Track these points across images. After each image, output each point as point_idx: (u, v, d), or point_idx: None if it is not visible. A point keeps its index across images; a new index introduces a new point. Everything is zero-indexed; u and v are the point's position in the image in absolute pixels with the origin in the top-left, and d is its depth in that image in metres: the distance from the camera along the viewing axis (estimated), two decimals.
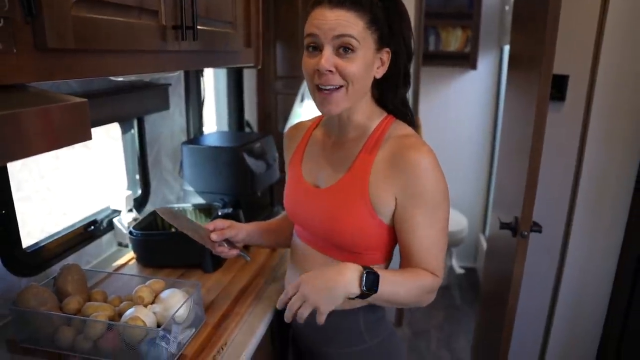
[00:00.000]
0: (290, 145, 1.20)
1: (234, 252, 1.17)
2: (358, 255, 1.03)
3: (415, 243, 0.98)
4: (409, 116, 1.05)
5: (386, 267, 1.08)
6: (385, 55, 0.97)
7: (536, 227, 1.60)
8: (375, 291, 0.89)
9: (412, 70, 1.07)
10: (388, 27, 0.96)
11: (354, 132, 1.04)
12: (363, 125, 1.03)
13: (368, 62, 0.94)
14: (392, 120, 1.03)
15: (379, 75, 0.98)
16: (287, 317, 0.92)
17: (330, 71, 0.91)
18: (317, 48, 0.93)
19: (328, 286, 0.88)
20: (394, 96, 1.03)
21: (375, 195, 0.97)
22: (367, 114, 1.03)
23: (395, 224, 1.00)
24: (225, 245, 1.16)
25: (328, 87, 0.93)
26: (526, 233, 1.58)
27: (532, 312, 2.10)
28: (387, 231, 1.01)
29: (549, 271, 2.04)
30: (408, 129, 1.02)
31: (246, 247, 1.39)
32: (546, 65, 1.45)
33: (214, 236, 1.13)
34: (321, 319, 0.89)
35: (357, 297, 0.90)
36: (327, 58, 0.91)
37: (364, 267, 0.90)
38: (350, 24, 0.90)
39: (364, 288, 0.88)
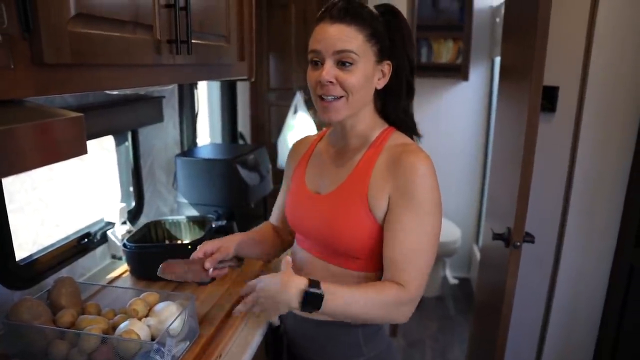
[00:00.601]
0: (294, 158, 1.23)
1: (225, 270, 1.17)
2: (357, 261, 1.04)
3: (396, 248, 0.97)
4: (411, 127, 1.09)
5: (379, 277, 1.06)
6: (387, 67, 1.02)
7: (529, 238, 1.61)
8: (318, 309, 0.91)
9: None
10: (389, 40, 1.00)
11: (356, 141, 1.07)
12: (365, 135, 1.06)
13: (368, 74, 0.98)
14: (392, 131, 1.07)
15: (379, 86, 1.02)
16: (239, 310, 1.00)
17: (330, 82, 0.96)
18: (320, 62, 0.98)
19: (274, 298, 0.93)
20: (395, 107, 1.07)
21: (372, 197, 0.99)
22: (369, 124, 1.06)
23: (384, 227, 0.99)
24: (219, 266, 1.14)
25: (329, 97, 0.98)
26: (519, 244, 1.59)
27: (526, 322, 2.11)
28: (379, 232, 1.02)
29: (542, 281, 2.05)
30: (408, 139, 1.06)
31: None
32: (536, 77, 1.47)
33: (207, 264, 1.11)
34: (273, 319, 1.02)
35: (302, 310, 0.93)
36: (328, 71, 0.96)
37: (311, 286, 0.91)
38: (349, 38, 0.95)
39: (304, 306, 0.91)
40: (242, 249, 1.19)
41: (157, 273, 1.12)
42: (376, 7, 1.03)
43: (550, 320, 2.06)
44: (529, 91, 1.49)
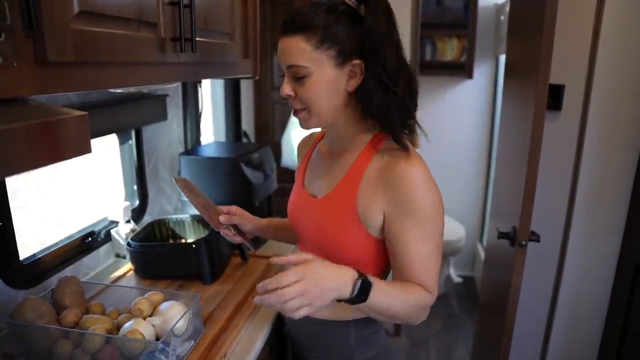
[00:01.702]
0: (300, 155, 1.24)
1: (238, 238, 1.17)
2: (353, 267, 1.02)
3: (407, 259, 0.95)
4: (396, 125, 0.96)
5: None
6: (357, 67, 0.93)
7: (534, 237, 1.60)
8: (364, 300, 0.86)
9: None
10: (357, 37, 0.92)
11: (348, 145, 1.03)
12: (356, 139, 1.02)
13: (328, 81, 0.93)
14: (384, 137, 1.01)
15: (350, 88, 0.95)
16: (271, 303, 0.81)
17: (289, 95, 0.97)
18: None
19: (328, 284, 0.83)
20: (368, 107, 0.96)
21: (362, 209, 0.96)
22: (356, 128, 1.01)
23: (385, 239, 0.98)
24: (232, 229, 1.17)
25: (295, 109, 0.99)
26: (524, 242, 1.58)
27: (531, 321, 2.10)
28: (377, 244, 0.99)
29: (547, 279, 2.04)
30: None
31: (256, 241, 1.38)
32: (543, 75, 1.46)
33: (222, 219, 1.15)
34: (301, 314, 0.82)
35: (345, 301, 0.87)
36: (285, 85, 0.96)
37: (360, 274, 0.87)
38: (296, 50, 0.91)
39: (355, 294, 0.85)
40: (261, 230, 1.26)
41: (174, 179, 1.19)
42: None
43: (555, 319, 2.05)
44: (535, 89, 1.48)
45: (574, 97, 1.84)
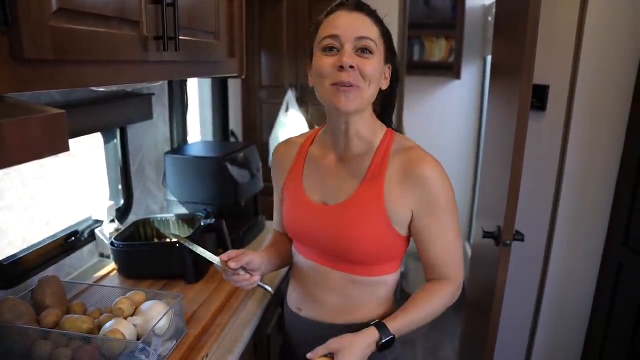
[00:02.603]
0: (282, 163, 1.17)
1: (255, 279, 1.08)
2: (369, 268, 1.05)
3: (436, 252, 1.04)
4: (399, 127, 1.13)
5: (397, 277, 1.11)
6: (388, 72, 1.03)
7: (519, 236, 1.62)
8: (391, 347, 0.99)
9: None
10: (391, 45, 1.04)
11: (361, 147, 1.04)
12: (368, 140, 1.04)
13: (380, 69, 0.99)
14: (394, 134, 1.07)
15: (384, 87, 1.03)
16: None
17: (352, 67, 0.92)
18: (335, 48, 0.95)
19: (359, 357, 0.96)
20: (392, 109, 1.11)
21: (391, 209, 1.00)
22: (371, 128, 1.05)
23: (414, 235, 1.05)
24: (243, 273, 1.07)
25: (346, 85, 0.93)
26: (509, 242, 1.59)
27: (517, 320, 2.12)
28: (404, 242, 1.05)
29: (532, 279, 2.06)
30: (410, 141, 1.06)
31: None
32: (527, 75, 1.47)
33: (232, 264, 1.05)
34: None
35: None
36: (349, 56, 0.93)
37: (379, 329, 0.98)
38: (369, 27, 0.96)
39: (380, 350, 0.98)
40: (268, 265, 1.15)
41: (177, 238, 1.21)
42: None
43: (540, 318, 2.07)
44: (519, 90, 1.49)
45: (559, 97, 1.86)
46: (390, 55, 1.02)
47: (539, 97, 1.88)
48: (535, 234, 1.96)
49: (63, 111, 0.67)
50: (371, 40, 0.94)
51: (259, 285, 1.10)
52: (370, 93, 0.97)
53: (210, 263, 1.15)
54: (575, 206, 1.91)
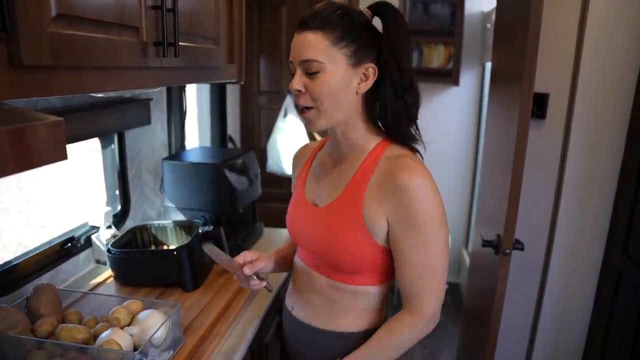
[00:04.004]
0: (296, 167, 1.21)
1: (263, 283, 1.12)
2: (354, 276, 1.02)
3: (405, 272, 0.97)
4: (406, 135, 1.01)
5: (383, 290, 1.05)
6: (371, 71, 0.95)
7: (518, 245, 1.61)
8: None
9: None
10: (374, 42, 0.95)
11: (351, 152, 1.02)
12: (359, 146, 1.01)
13: (339, 79, 0.93)
14: (389, 143, 1.01)
15: (361, 91, 0.96)
16: None
17: (299, 91, 0.95)
18: (294, 72, 0.97)
19: None
20: (383, 113, 0.99)
21: (368, 217, 0.96)
22: (362, 134, 1.01)
23: (390, 247, 0.99)
24: (255, 278, 1.10)
25: (302, 107, 0.97)
26: (508, 251, 1.58)
27: (516, 328, 2.11)
28: (382, 252, 0.99)
29: (531, 287, 2.05)
30: (406, 150, 1.00)
31: None
32: (527, 83, 1.47)
33: (247, 270, 1.08)
34: None
35: None
36: (297, 80, 0.95)
37: None
38: (312, 45, 0.92)
39: None
40: (277, 264, 1.19)
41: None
42: (371, 5, 0.99)
43: (539, 326, 2.06)
44: (519, 98, 1.49)
45: (559, 105, 1.86)
46: (367, 52, 0.94)
47: (539, 105, 1.88)
48: (534, 242, 1.96)
49: (61, 119, 0.66)
50: (314, 60, 0.92)
51: (265, 286, 1.13)
52: (330, 108, 0.94)
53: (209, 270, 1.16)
54: (574, 214, 1.91)
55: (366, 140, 1.01)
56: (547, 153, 1.91)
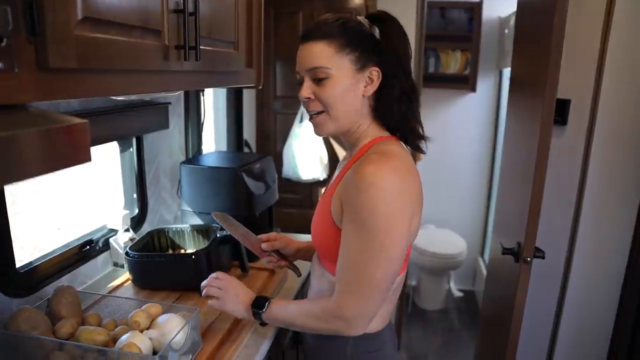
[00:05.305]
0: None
1: (283, 263, 1.26)
2: (330, 264, 1.04)
3: (339, 257, 0.97)
4: (412, 134, 1.06)
5: None
6: (375, 74, 1.00)
7: (539, 253, 1.58)
8: (262, 312, 1.06)
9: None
10: (376, 47, 1.00)
11: (354, 150, 1.06)
12: (361, 143, 1.04)
13: (346, 84, 0.98)
14: (381, 140, 1.02)
15: (367, 94, 1.01)
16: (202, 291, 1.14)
17: (308, 98, 1.00)
18: (301, 82, 1.02)
19: (235, 301, 1.11)
20: (389, 112, 1.03)
21: (334, 206, 1.00)
22: (363, 133, 1.04)
23: None
24: (275, 255, 1.25)
25: (314, 113, 1.02)
26: (529, 259, 1.55)
27: (534, 338, 2.07)
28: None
29: (551, 296, 2.01)
30: (391, 147, 1.00)
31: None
32: (550, 90, 1.44)
33: (264, 246, 1.23)
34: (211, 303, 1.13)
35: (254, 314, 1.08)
36: (305, 87, 1.00)
37: (255, 303, 1.08)
38: (318, 54, 0.98)
39: (252, 308, 1.08)
40: (304, 254, 1.29)
41: (214, 214, 1.27)
42: (368, 15, 1.04)
43: (558, 337, 2.01)
44: (541, 104, 1.47)
45: (580, 112, 1.83)
46: (370, 57, 0.99)
47: (560, 112, 1.85)
48: (554, 250, 1.92)
49: (86, 121, 0.66)
50: (320, 67, 0.97)
51: (287, 267, 1.26)
52: (338, 111, 0.99)
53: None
54: (596, 222, 1.87)
55: (364, 138, 1.05)
56: (568, 160, 1.88)
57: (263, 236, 1.25)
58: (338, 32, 0.98)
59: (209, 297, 1.14)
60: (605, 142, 1.80)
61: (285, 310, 1.06)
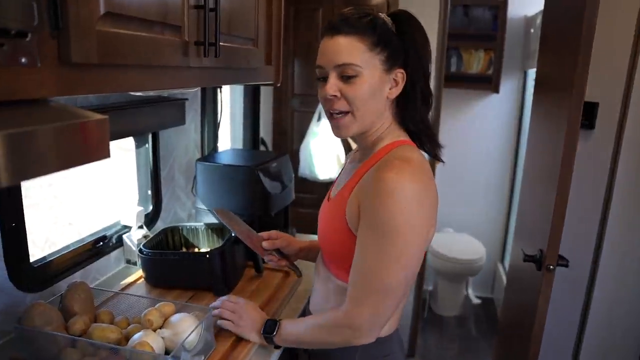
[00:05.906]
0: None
1: (283, 262, 1.23)
2: (338, 270, 1.02)
3: (353, 263, 0.94)
4: (430, 138, 1.03)
5: None
6: (400, 76, 0.96)
7: (563, 262, 1.53)
8: (273, 335, 1.06)
9: (432, 90, 1.05)
10: (402, 47, 0.96)
11: (368, 151, 1.03)
12: (379, 146, 1.01)
13: (374, 84, 0.94)
14: (400, 144, 0.99)
15: (392, 96, 0.97)
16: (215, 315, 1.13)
17: (335, 96, 0.94)
18: (324, 77, 0.96)
19: (251, 326, 1.10)
20: (413, 116, 1.00)
21: (349, 211, 0.96)
22: (382, 135, 1.01)
23: None
24: (275, 254, 1.21)
25: (337, 113, 0.96)
26: (552, 267, 1.51)
27: (557, 348, 2.01)
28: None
29: (574, 306, 1.95)
30: (412, 154, 0.96)
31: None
32: (577, 92, 1.39)
33: (265, 244, 1.20)
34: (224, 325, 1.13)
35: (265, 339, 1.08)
36: (332, 84, 0.94)
37: (266, 328, 1.08)
38: (349, 50, 0.92)
39: (263, 333, 1.08)
40: (306, 254, 1.27)
41: (214, 210, 1.27)
42: (390, 13, 0.99)
43: (582, 348, 1.95)
44: (568, 106, 1.42)
45: (609, 115, 1.77)
46: (397, 58, 0.95)
47: (587, 115, 1.79)
48: (579, 258, 1.86)
49: (106, 117, 0.65)
50: (351, 64, 0.92)
51: (288, 266, 1.24)
52: (364, 113, 0.95)
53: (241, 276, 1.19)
54: (623, 231, 1.81)
55: (382, 140, 1.01)
56: (595, 165, 1.82)
57: (264, 234, 1.22)
58: (369, 29, 0.93)
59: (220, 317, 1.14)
60: (634, 148, 1.74)
61: (297, 329, 1.06)
